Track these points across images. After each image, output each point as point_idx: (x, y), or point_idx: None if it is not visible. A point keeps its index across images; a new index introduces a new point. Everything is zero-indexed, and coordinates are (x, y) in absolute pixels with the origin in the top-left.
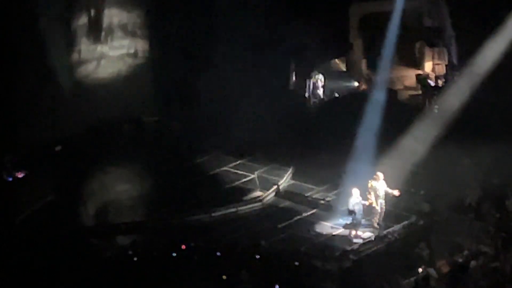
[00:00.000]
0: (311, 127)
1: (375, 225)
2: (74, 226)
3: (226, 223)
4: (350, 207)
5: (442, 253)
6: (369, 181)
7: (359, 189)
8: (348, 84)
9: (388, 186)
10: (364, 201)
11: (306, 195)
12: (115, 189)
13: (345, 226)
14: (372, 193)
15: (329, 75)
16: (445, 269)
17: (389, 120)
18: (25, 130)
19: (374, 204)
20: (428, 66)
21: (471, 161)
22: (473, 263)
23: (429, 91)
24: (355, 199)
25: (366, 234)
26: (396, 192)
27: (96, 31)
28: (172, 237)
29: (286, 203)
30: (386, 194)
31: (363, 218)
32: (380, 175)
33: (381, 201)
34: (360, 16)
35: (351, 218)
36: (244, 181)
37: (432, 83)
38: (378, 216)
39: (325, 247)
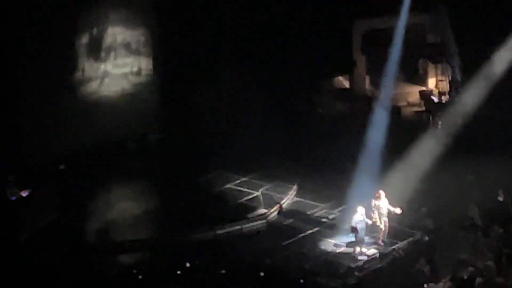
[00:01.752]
0: (315, 144)
1: (380, 242)
2: (78, 245)
3: (230, 241)
4: (353, 224)
5: (446, 269)
6: (372, 200)
7: (364, 207)
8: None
9: (392, 203)
10: (368, 220)
11: (310, 212)
12: (119, 207)
13: (348, 245)
14: (376, 211)
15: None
16: (449, 285)
17: (393, 137)
18: (29, 149)
19: (378, 223)
20: (431, 82)
21: (475, 177)
22: (477, 279)
23: (432, 108)
24: (358, 217)
25: (370, 251)
26: (397, 210)
27: (99, 49)
28: (177, 255)
29: (291, 221)
30: (389, 211)
31: (366, 236)
32: (382, 193)
33: (385, 218)
34: (363, 33)
35: (354, 236)
36: (249, 199)
37: (436, 100)
38: (382, 233)
39: (330, 264)
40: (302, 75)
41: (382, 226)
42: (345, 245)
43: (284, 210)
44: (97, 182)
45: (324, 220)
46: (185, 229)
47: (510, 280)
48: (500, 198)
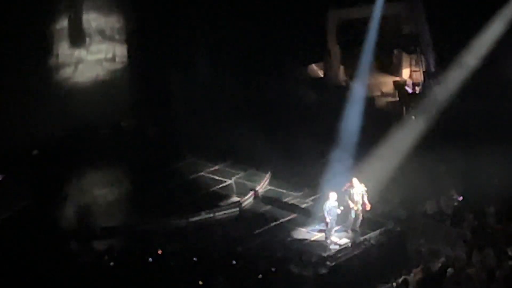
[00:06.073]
0: (289, 132)
1: (349, 230)
2: (50, 231)
3: (202, 229)
4: (326, 209)
5: (418, 259)
6: (345, 188)
7: (336, 194)
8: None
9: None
10: (339, 210)
11: (283, 200)
12: (92, 193)
13: (319, 231)
14: (348, 199)
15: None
16: (422, 275)
17: (366, 127)
18: (2, 134)
19: (355, 208)
20: (405, 72)
21: (448, 168)
22: (449, 269)
23: (406, 98)
24: (332, 203)
25: (342, 240)
26: (367, 206)
27: (74, 35)
28: (149, 242)
29: (263, 209)
30: (363, 202)
31: (338, 225)
32: (355, 181)
33: (357, 207)
34: (338, 22)
35: (324, 224)
36: (221, 187)
37: (410, 90)
38: (354, 222)
39: (302, 253)
40: (277, 64)
41: (353, 215)
42: (315, 233)
43: (257, 198)
44: (70, 168)
45: (299, 208)
46: (157, 216)
47: (483, 271)
48: (473, 189)
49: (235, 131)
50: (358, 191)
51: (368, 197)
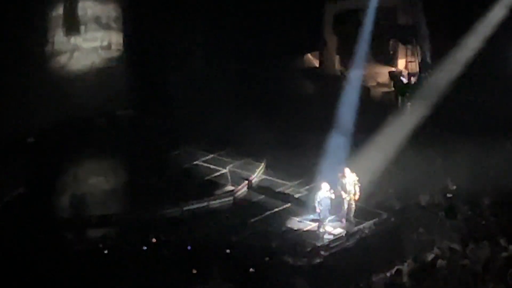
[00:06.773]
0: (285, 122)
1: (343, 220)
2: (45, 219)
3: (197, 218)
4: (318, 199)
5: (412, 250)
6: (339, 178)
7: (329, 184)
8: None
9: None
10: (332, 195)
11: (277, 190)
12: (87, 182)
13: (312, 221)
14: (341, 189)
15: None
16: (415, 266)
17: (361, 117)
18: None
19: (348, 198)
20: (401, 63)
21: (443, 159)
22: (439, 261)
23: (401, 89)
24: (323, 193)
25: (337, 230)
26: (356, 196)
27: (69, 22)
28: (143, 230)
29: (258, 198)
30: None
31: (332, 215)
32: (347, 171)
33: (349, 196)
34: (335, 12)
35: (318, 214)
36: (216, 176)
37: (405, 81)
38: (346, 212)
39: (296, 243)
40: (273, 53)
41: (345, 205)
42: (308, 222)
43: (252, 187)
44: (65, 157)
45: (293, 197)
46: (152, 205)
47: (478, 262)
48: (469, 180)
49: (231, 120)
50: (350, 180)
51: (360, 187)
